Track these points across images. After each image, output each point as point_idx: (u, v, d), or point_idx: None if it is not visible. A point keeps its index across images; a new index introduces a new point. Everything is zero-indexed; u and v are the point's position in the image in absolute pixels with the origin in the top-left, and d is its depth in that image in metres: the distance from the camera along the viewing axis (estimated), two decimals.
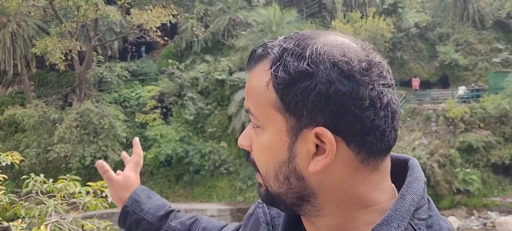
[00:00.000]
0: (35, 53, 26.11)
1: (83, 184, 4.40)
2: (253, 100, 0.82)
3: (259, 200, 1.01)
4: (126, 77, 29.35)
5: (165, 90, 27.89)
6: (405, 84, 30.27)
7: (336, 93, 0.73)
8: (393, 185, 0.85)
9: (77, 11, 24.64)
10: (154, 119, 26.94)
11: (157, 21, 25.74)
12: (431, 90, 29.42)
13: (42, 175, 4.71)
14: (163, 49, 32.42)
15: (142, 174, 1.66)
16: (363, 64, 0.76)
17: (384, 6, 30.68)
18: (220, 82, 27.37)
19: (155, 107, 27.45)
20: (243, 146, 0.88)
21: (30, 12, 26.91)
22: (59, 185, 4.42)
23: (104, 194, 3.88)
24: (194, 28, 29.61)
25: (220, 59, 28.79)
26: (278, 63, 0.78)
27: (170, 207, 1.37)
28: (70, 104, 27.93)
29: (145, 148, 24.76)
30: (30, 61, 28.87)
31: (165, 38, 29.29)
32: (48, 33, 27.21)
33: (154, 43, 30.95)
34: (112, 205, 2.82)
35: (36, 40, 26.33)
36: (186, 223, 1.31)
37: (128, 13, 27.76)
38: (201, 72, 27.88)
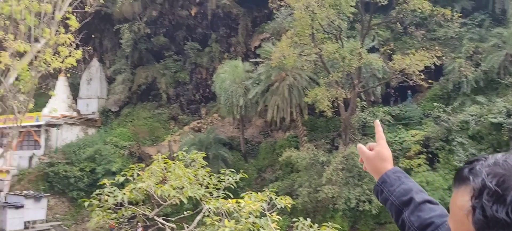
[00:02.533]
0: (307, 101, 29.20)
1: (349, 226, 4.72)
2: (454, 222, 0.87)
3: None
4: (389, 121, 29.49)
5: (431, 135, 26.63)
6: None
7: None
8: None
9: (343, 61, 26.56)
10: (419, 165, 25.95)
11: (420, 65, 25.19)
12: None
13: (309, 220, 5.32)
14: (427, 92, 31.30)
15: None
16: None
17: None
18: (495, 126, 24.36)
19: (420, 152, 26.46)
20: None
21: (303, 66, 30.48)
22: None
23: None
24: (462, 68, 27.57)
25: (495, 100, 25.72)
26: (477, 200, 0.80)
27: (413, 194, 1.43)
28: (337, 148, 29.82)
29: None
30: (303, 109, 32.45)
31: (430, 80, 28.26)
32: (317, 84, 30.13)
33: (418, 86, 30.23)
34: None
35: (308, 90, 29.49)
36: (423, 222, 1.33)
37: (390, 59, 28.17)
38: (471, 115, 25.50)
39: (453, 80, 28.81)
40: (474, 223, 0.79)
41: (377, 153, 1.58)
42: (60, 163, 37.70)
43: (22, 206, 30.20)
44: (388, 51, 28.91)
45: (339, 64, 27.70)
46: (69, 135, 41.53)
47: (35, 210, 31.52)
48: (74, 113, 44.45)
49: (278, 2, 29.52)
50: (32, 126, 40.19)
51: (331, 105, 27.67)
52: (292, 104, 31.78)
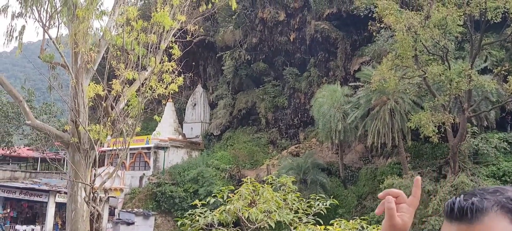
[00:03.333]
0: (410, 127, 27.74)
1: None
2: None
3: None
4: (505, 148, 26.82)
5: None
6: None
7: None
8: None
9: (450, 84, 24.87)
10: None
11: None
12: None
13: None
14: None
15: None
16: None
17: None
18: None
19: None
20: None
21: (406, 90, 29.12)
22: None
23: None
24: None
25: None
26: None
27: None
28: (445, 177, 27.79)
29: None
30: (406, 134, 30.89)
31: None
32: (422, 108, 28.54)
33: None
34: None
35: (411, 115, 28.05)
36: None
37: (505, 81, 25.76)
38: None
39: None
40: None
41: (404, 225, 1.25)
42: (166, 183, 40.20)
43: (132, 223, 32.66)
44: (503, 72, 26.46)
45: (445, 87, 25.97)
46: (175, 157, 44.23)
47: (144, 227, 33.88)
48: (180, 137, 47.35)
49: (378, 25, 28.74)
50: (142, 148, 43.57)
51: (437, 130, 25.96)
52: (394, 130, 30.48)
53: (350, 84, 36.19)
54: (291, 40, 44.48)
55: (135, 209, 35.64)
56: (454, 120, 26.15)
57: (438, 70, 25.30)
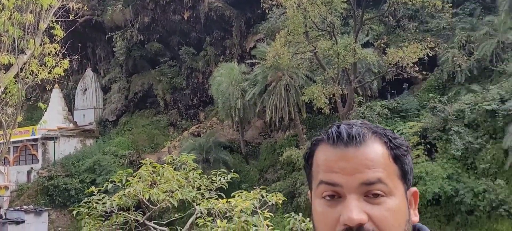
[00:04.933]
0: (305, 100, 29.20)
1: None
2: (382, 171, 0.95)
3: None
4: (386, 115, 29.49)
5: (428, 126, 26.63)
6: None
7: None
8: None
9: (338, 58, 26.57)
10: (418, 156, 25.93)
11: (414, 57, 25.23)
12: None
13: (300, 214, 5.30)
14: (422, 83, 31.32)
15: None
16: None
17: None
18: (490, 113, 24.36)
19: (418, 143, 26.44)
20: (362, 220, 0.92)
21: (299, 65, 30.48)
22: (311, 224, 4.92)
23: None
24: (455, 58, 27.61)
25: (489, 87, 25.75)
26: (390, 140, 0.99)
27: None
28: None
29: None
30: (301, 107, 32.46)
31: (424, 72, 28.27)
32: (314, 81, 30.16)
33: (413, 78, 30.25)
34: None
35: (305, 88, 29.50)
36: None
37: (384, 53, 28.20)
38: (466, 104, 25.53)
39: (447, 71, 28.86)
40: (396, 158, 0.99)
41: None
42: (59, 176, 37.66)
43: (23, 222, 30.10)
44: (382, 45, 28.91)
45: (334, 61, 27.72)
46: (67, 147, 41.47)
47: (37, 225, 31.41)
48: (71, 125, 44.42)
49: (270, 2, 29.55)
50: (28, 140, 40.15)
51: (329, 102, 27.68)
52: (290, 104, 31.80)
53: (247, 61, 36.82)
54: (185, 19, 43.73)
55: (24, 206, 32.89)
56: (342, 91, 28.08)
57: (327, 45, 26.86)
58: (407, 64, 25.38)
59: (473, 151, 24.58)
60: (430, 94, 28.27)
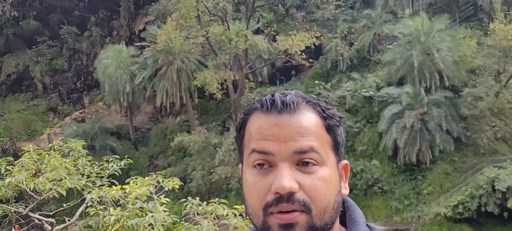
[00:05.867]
0: (197, 85, 29.06)
1: (242, 204, 4.77)
2: (315, 140, 0.94)
3: None
4: None
5: None
6: None
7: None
8: None
9: (229, 43, 26.85)
10: None
11: (301, 45, 26.52)
12: None
13: (197, 198, 5.29)
14: (309, 71, 33.14)
15: None
16: None
17: None
18: (367, 99, 26.74)
19: None
20: (294, 189, 0.91)
21: (191, 49, 30.17)
22: (210, 207, 4.93)
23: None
24: (338, 48, 29.67)
25: (367, 75, 28.20)
26: (323, 110, 0.98)
27: None
28: (228, 130, 30.26)
29: None
30: (192, 92, 32.24)
31: (311, 60, 29.90)
32: (206, 66, 30.13)
33: (301, 66, 31.84)
34: None
35: (197, 73, 29.34)
36: None
37: (274, 40, 29.20)
38: (348, 90, 27.67)
39: (331, 59, 30.90)
40: (329, 128, 0.98)
41: None
42: None
43: None
44: (272, 32, 29.89)
45: (226, 46, 27.95)
46: None
47: None
48: None
49: None
50: None
51: (221, 87, 27.90)
52: (181, 89, 31.39)
53: (136, 44, 35.40)
54: None
55: None
56: (234, 77, 28.50)
57: (219, 30, 26.96)
58: (295, 52, 26.60)
59: (353, 134, 26.77)
60: (316, 81, 30.05)
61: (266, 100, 0.97)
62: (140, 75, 32.18)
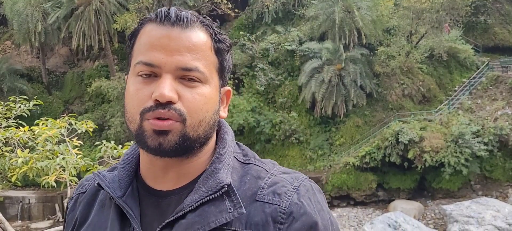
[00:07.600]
0: (117, 28, 27.75)
1: None
2: (201, 59, 0.99)
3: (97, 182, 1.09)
4: None
5: (237, 62, 28.42)
6: (489, 50, 28.21)
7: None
8: None
9: None
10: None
11: None
12: None
13: (113, 142, 5.23)
14: (234, 21, 32.93)
15: None
16: None
17: None
18: (290, 52, 27.35)
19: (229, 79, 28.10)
20: (173, 99, 0.96)
21: None
22: (125, 150, 4.92)
23: None
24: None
25: (290, 29, 28.67)
26: (215, 33, 1.03)
27: None
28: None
29: None
30: (112, 36, 30.76)
31: (237, 10, 29.66)
32: (127, 9, 28.74)
33: (226, 15, 31.49)
34: None
35: (117, 16, 27.95)
36: None
37: None
38: (271, 43, 28.02)
39: (256, 11, 30.89)
40: (218, 51, 1.03)
41: None
42: None
43: None
44: None
45: None
46: None
47: None
48: None
49: None
50: None
51: None
52: (100, 31, 29.80)
53: None
54: None
55: None
56: None
57: None
58: (221, 0, 26.22)
59: (274, 86, 27.43)
60: (241, 32, 30.01)
61: (160, 11, 0.99)
62: (54, 14, 29.94)
